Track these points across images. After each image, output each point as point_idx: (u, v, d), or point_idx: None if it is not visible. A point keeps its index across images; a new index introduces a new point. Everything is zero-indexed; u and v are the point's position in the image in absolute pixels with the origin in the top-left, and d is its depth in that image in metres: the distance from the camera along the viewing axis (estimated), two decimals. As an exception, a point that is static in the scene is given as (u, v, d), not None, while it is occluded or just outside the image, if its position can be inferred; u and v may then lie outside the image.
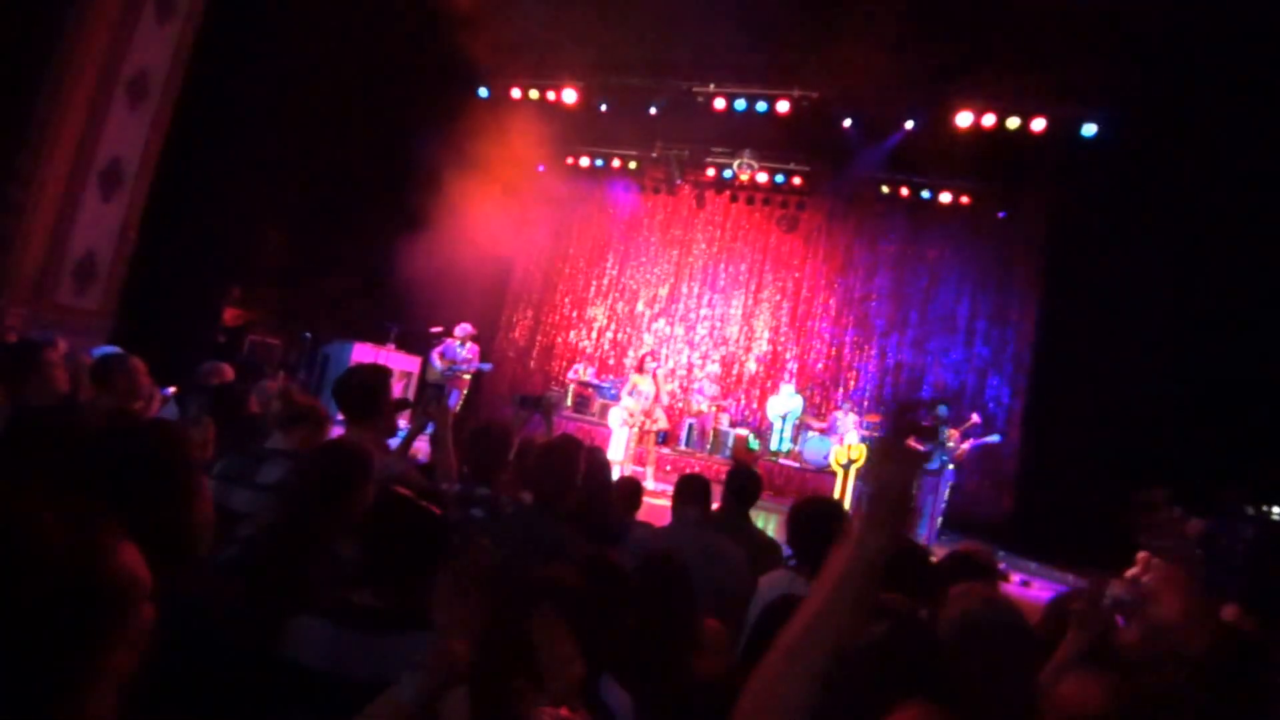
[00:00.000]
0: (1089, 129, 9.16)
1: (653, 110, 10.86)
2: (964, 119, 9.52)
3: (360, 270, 10.39)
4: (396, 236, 10.02)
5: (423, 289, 9.69)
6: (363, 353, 9.21)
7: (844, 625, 0.81)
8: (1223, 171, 7.70)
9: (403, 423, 3.79)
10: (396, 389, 5.95)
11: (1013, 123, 9.42)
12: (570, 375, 11.48)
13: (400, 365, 9.58)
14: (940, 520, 7.23)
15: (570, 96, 10.84)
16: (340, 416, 2.91)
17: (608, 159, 12.22)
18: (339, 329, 9.60)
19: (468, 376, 9.26)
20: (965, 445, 7.41)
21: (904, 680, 1.11)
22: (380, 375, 2.88)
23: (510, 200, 10.91)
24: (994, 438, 9.02)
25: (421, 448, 3.36)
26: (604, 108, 10.98)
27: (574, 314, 13.01)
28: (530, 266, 13.24)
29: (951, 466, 7.20)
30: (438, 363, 9.15)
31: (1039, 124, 9.33)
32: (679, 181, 12.32)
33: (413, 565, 1.59)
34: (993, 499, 9.96)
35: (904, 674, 1.14)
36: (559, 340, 12.98)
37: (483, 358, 9.52)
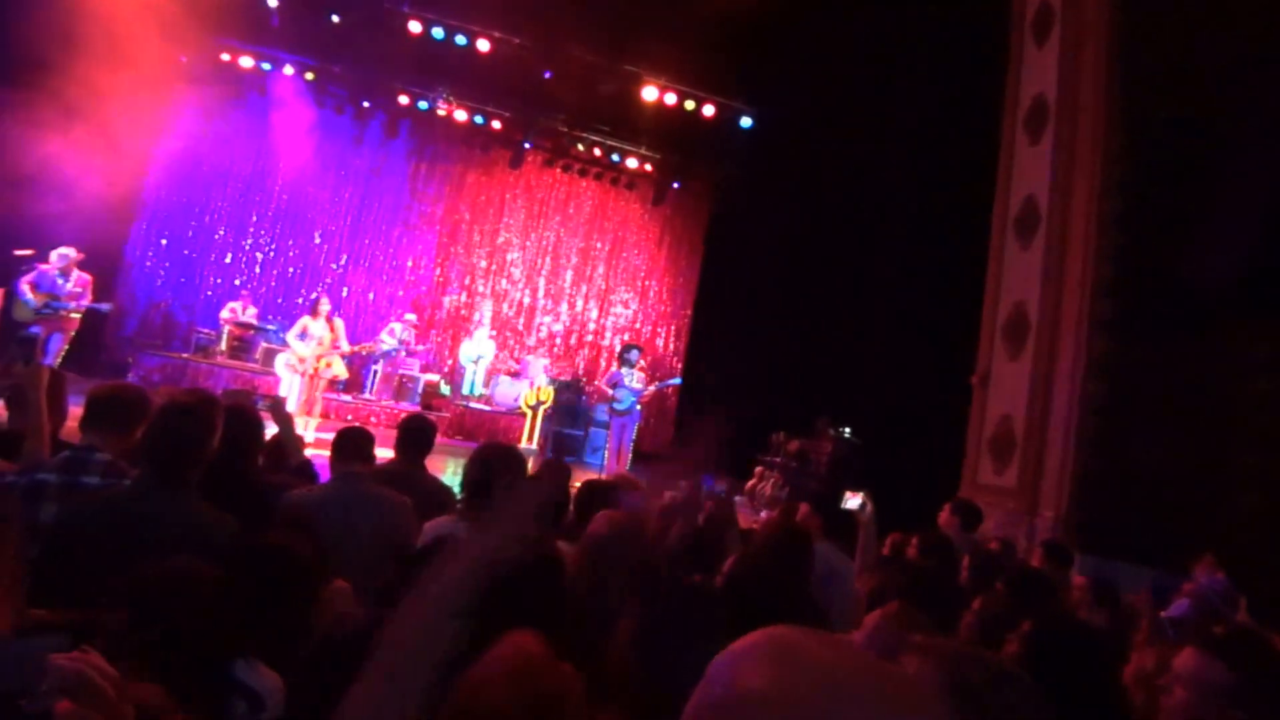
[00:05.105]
0: (746, 121, 10.75)
1: (335, 19, 9.65)
2: (650, 93, 10.36)
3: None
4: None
5: (9, 199, 7.37)
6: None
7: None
8: (842, 171, 9.68)
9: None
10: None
11: (689, 104, 10.57)
12: (225, 315, 9.87)
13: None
14: (630, 455, 8.04)
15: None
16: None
17: (277, 64, 10.50)
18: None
19: (76, 316, 7.40)
20: (651, 388, 8.28)
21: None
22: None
23: (147, 96, 8.76)
24: (675, 380, 10.55)
25: None
26: (273, 3, 9.41)
27: (229, 242, 11.11)
28: (170, 180, 10.81)
29: (639, 407, 7.97)
30: (29, 297, 7.16)
31: (709, 110, 10.62)
32: (367, 104, 11.15)
33: None
34: (657, 431, 11.52)
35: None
36: (210, 275, 11.00)
37: (100, 294, 7.66)
